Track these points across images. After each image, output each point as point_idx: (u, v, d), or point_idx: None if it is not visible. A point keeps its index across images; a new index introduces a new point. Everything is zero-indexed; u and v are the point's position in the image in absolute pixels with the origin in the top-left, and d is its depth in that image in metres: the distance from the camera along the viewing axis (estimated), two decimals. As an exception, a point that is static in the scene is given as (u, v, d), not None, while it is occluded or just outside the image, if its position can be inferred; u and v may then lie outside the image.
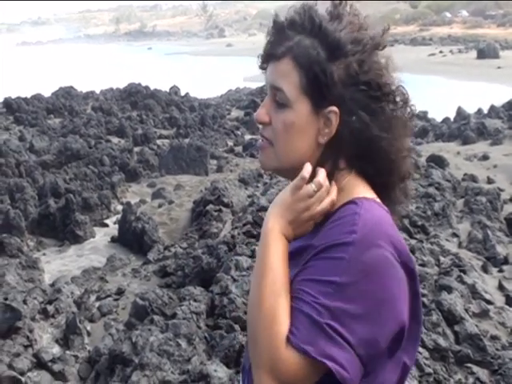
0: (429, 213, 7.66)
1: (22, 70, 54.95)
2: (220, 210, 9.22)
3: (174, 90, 23.71)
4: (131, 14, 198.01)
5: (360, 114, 1.36)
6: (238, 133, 17.99)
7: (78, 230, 9.60)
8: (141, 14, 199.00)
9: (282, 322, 1.23)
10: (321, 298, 1.22)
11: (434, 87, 31.47)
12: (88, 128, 16.69)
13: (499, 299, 5.71)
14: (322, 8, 1.41)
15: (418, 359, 4.40)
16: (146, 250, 8.53)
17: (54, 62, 71.30)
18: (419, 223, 7.33)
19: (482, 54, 41.60)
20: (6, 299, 5.70)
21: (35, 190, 11.10)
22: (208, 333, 4.96)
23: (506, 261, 6.71)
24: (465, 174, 9.76)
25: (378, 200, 1.39)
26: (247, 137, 17.35)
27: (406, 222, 7.17)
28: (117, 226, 9.86)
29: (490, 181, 9.55)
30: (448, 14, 75.77)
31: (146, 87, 22.22)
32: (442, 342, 4.67)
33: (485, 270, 6.39)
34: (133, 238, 9.09)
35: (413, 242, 6.67)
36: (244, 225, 7.27)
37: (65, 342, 5.60)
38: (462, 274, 5.80)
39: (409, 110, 1.45)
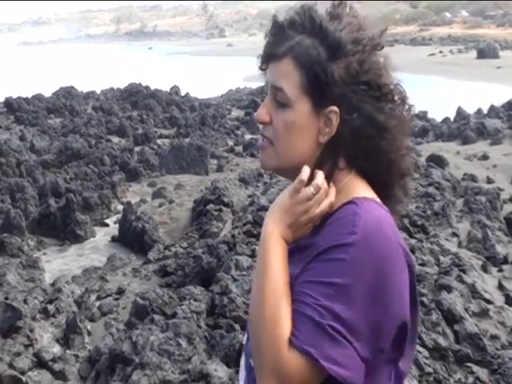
0: (429, 212, 7.67)
1: (22, 70, 54.94)
2: (220, 210, 9.23)
3: (175, 89, 23.72)
4: (132, 14, 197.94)
5: (360, 114, 1.36)
6: (239, 132, 18.00)
7: (79, 229, 9.61)
8: (141, 14, 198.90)
9: (284, 324, 1.24)
10: (322, 299, 1.22)
11: (433, 87, 31.48)
12: (88, 128, 16.69)
13: (499, 299, 5.72)
14: (322, 9, 1.42)
15: (418, 358, 4.41)
16: (147, 250, 8.54)
17: (55, 61, 71.29)
18: (419, 223, 7.34)
19: (481, 54, 41.62)
20: (6, 298, 5.71)
21: (36, 190, 11.11)
22: (208, 332, 4.97)
23: (505, 260, 6.72)
24: (464, 174, 9.77)
25: (378, 200, 1.39)
26: (247, 136, 17.36)
27: (406, 221, 7.18)
28: (117, 225, 9.87)
29: (489, 180, 9.56)
30: (448, 14, 75.76)
31: (147, 87, 22.23)
32: (441, 341, 4.68)
33: (484, 269, 6.40)
34: (133, 238, 9.10)
35: (413, 241, 6.68)
36: (244, 224, 7.28)
37: (65, 341, 5.60)
38: (461, 273, 5.81)
39: (407, 107, 1.46)
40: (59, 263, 8.66)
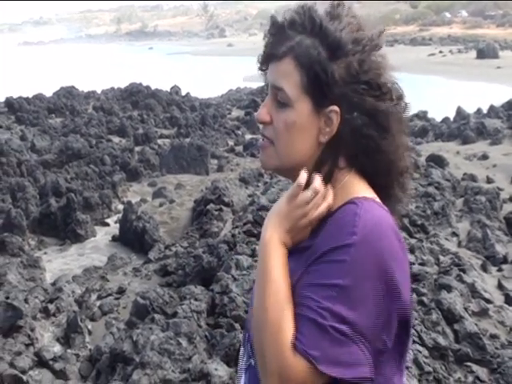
0: (428, 212, 7.68)
1: (23, 70, 54.93)
2: (221, 210, 9.24)
3: (175, 89, 23.71)
4: (132, 14, 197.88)
5: (360, 113, 1.37)
6: (239, 132, 18.00)
7: (79, 229, 9.62)
8: (142, 14, 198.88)
9: (288, 329, 1.25)
10: (324, 302, 1.22)
11: (433, 87, 31.48)
12: (89, 127, 16.70)
13: (498, 298, 5.73)
14: (321, 9, 1.42)
15: (418, 358, 4.41)
16: (147, 249, 8.54)
17: (56, 61, 71.26)
18: (419, 222, 7.34)
19: (481, 54, 41.61)
20: (7, 298, 5.72)
21: (36, 190, 11.12)
22: (208, 331, 4.98)
23: (505, 260, 6.73)
24: (464, 174, 9.78)
25: (378, 200, 1.40)
26: (248, 136, 17.35)
27: (406, 221, 7.19)
28: (118, 225, 9.88)
29: (489, 180, 9.57)
30: (448, 14, 75.74)
31: (147, 87, 22.22)
32: (441, 340, 4.68)
33: (484, 269, 6.41)
34: (134, 237, 9.11)
35: (412, 241, 6.69)
36: (244, 224, 7.29)
37: (66, 340, 5.62)
38: (461, 273, 5.82)
39: (403, 105, 1.46)
40: (60, 263, 8.67)
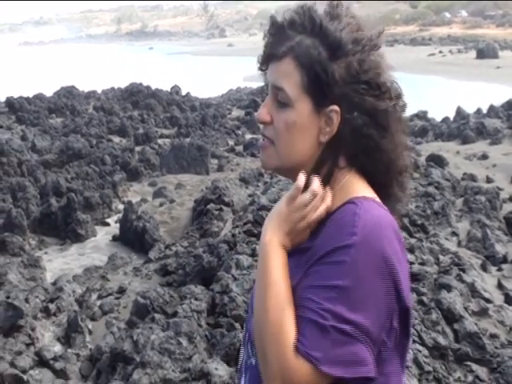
0: (428, 212, 7.68)
1: (24, 70, 54.97)
2: (221, 209, 9.24)
3: (175, 89, 23.72)
4: (132, 14, 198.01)
5: (361, 113, 1.37)
6: (239, 132, 18.01)
7: (80, 228, 9.63)
8: (142, 14, 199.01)
9: (289, 331, 1.25)
10: (325, 303, 1.23)
11: (433, 87, 31.49)
12: (89, 127, 16.71)
13: (498, 298, 5.73)
14: (321, 9, 1.43)
15: (418, 357, 4.42)
16: (147, 249, 8.55)
17: (56, 61, 71.33)
18: (419, 222, 7.35)
19: (481, 54, 41.63)
20: (8, 298, 5.73)
21: (37, 189, 11.13)
22: (209, 331, 4.98)
23: (504, 259, 6.73)
24: (464, 174, 9.78)
25: (378, 199, 1.40)
26: (248, 136, 17.36)
27: (406, 220, 7.19)
28: (118, 224, 9.88)
29: (489, 180, 9.57)
30: (447, 15, 75.78)
31: (148, 87, 22.23)
32: (441, 340, 4.69)
33: (484, 268, 6.41)
34: (134, 237, 9.11)
35: (412, 240, 6.69)
36: (245, 224, 7.29)
37: (66, 340, 5.62)
38: (461, 272, 5.82)
39: (402, 104, 1.46)
40: (60, 262, 8.67)
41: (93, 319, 6.07)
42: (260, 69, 1.51)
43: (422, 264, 6.07)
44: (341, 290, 1.23)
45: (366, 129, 1.38)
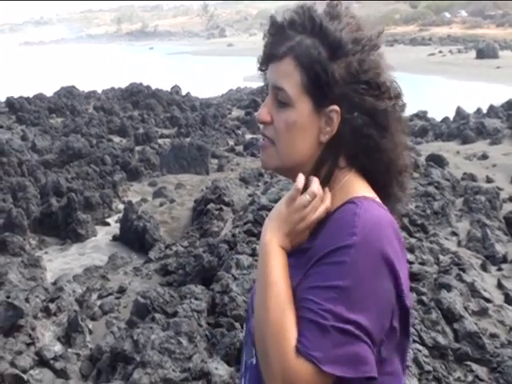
0: (428, 212, 7.68)
1: (24, 70, 54.96)
2: (221, 209, 9.25)
3: (176, 89, 23.76)
4: (133, 14, 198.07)
5: (361, 113, 1.37)
6: (239, 132, 18.02)
7: (80, 228, 9.63)
8: (142, 14, 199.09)
9: (290, 332, 1.25)
10: (325, 303, 1.23)
11: (433, 87, 31.51)
12: (90, 127, 16.72)
13: (498, 297, 5.73)
14: (321, 9, 1.43)
15: (418, 357, 4.42)
16: (148, 249, 8.55)
17: (56, 61, 71.35)
18: (419, 222, 7.35)
19: (481, 54, 41.66)
20: (8, 297, 5.73)
21: (37, 189, 11.14)
22: (209, 331, 4.99)
23: (504, 259, 6.73)
24: (464, 173, 9.77)
25: (378, 199, 1.40)
26: (248, 136, 17.38)
27: (406, 220, 7.19)
28: (118, 224, 9.89)
29: (489, 180, 9.57)
30: (447, 14, 75.83)
31: (148, 87, 22.25)
32: (441, 339, 4.69)
33: (484, 268, 6.41)
34: (134, 237, 9.12)
35: (412, 240, 6.69)
36: (245, 223, 7.29)
37: (67, 339, 5.63)
38: (461, 272, 5.82)
39: (401, 103, 1.46)
40: (61, 262, 8.68)
41: (93, 319, 6.08)
42: (260, 69, 1.51)
43: (422, 264, 6.07)
44: (341, 291, 1.23)
45: (365, 129, 1.38)
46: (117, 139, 16.27)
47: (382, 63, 1.42)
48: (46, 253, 9.08)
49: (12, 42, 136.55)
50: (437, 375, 4.38)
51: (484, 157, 10.84)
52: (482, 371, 4.51)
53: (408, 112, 1.53)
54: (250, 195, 10.01)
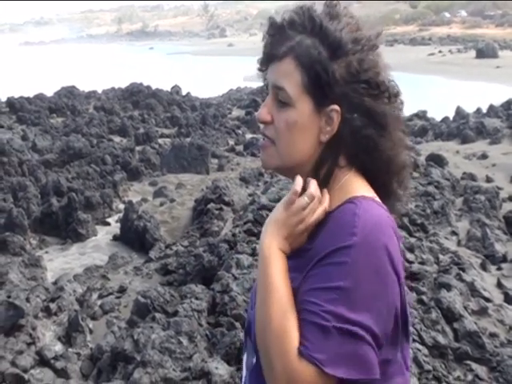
0: (428, 211, 7.69)
1: (24, 70, 54.95)
2: (221, 209, 9.26)
3: (176, 89, 23.77)
4: (133, 14, 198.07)
5: (360, 112, 1.38)
6: (239, 132, 18.03)
7: (81, 228, 9.64)
8: (143, 14, 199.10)
9: (293, 335, 1.24)
10: (326, 305, 1.23)
11: (433, 87, 31.50)
12: (90, 127, 16.72)
13: (498, 297, 5.74)
14: (320, 9, 1.44)
15: (418, 356, 4.43)
16: (148, 248, 8.56)
17: (57, 61, 71.31)
18: (418, 221, 7.35)
19: (480, 54, 41.67)
20: (9, 297, 5.73)
21: (38, 189, 11.14)
22: (209, 330, 4.99)
23: (504, 259, 6.73)
24: (464, 173, 9.78)
25: (378, 199, 1.40)
26: (248, 136, 17.38)
27: (406, 220, 7.20)
28: (119, 224, 9.89)
29: (488, 179, 9.58)
30: (447, 14, 75.83)
31: (148, 87, 22.26)
32: (441, 339, 4.70)
33: (484, 267, 6.42)
34: (135, 237, 9.12)
35: (412, 240, 6.69)
36: (245, 223, 7.30)
37: (67, 339, 5.63)
38: (461, 271, 5.83)
39: (399, 102, 1.47)
40: (61, 262, 8.68)
41: (93, 318, 6.08)
42: (260, 69, 1.52)
43: (422, 263, 6.07)
44: (342, 291, 1.23)
45: (365, 128, 1.38)
46: (117, 139, 16.27)
47: (380, 62, 1.43)
48: (47, 252, 9.09)
49: (12, 42, 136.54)
50: (437, 374, 4.38)
51: (484, 156, 10.85)
52: (481, 370, 4.51)
53: (408, 112, 1.54)
54: (250, 195, 10.02)
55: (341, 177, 1.43)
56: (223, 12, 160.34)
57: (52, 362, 5.18)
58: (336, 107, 1.38)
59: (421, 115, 17.61)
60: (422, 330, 4.73)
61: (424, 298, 5.17)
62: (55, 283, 6.90)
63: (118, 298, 6.54)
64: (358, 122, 1.38)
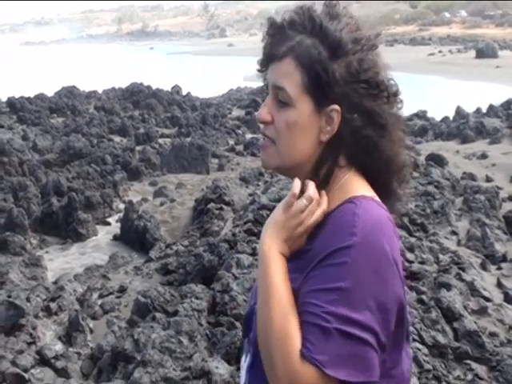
0: (428, 211, 7.69)
1: (25, 70, 54.95)
2: (221, 209, 9.26)
3: (176, 89, 23.78)
4: (133, 14, 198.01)
5: (360, 112, 1.38)
6: (239, 132, 18.04)
7: (81, 228, 9.65)
8: (143, 14, 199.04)
9: (294, 337, 1.24)
10: (327, 306, 1.23)
11: (433, 87, 31.50)
12: (90, 127, 16.74)
13: (498, 296, 5.74)
14: (319, 9, 1.44)
15: (417, 356, 4.43)
16: (148, 248, 8.57)
17: (57, 61, 71.33)
18: (418, 221, 7.35)
19: (480, 54, 41.67)
20: (9, 297, 5.74)
21: (38, 189, 11.15)
22: (209, 330, 4.99)
23: (504, 258, 6.73)
24: (464, 173, 9.78)
25: (377, 198, 1.40)
26: (248, 136, 17.40)
27: (406, 219, 7.20)
28: (119, 224, 9.91)
29: (488, 179, 9.57)
30: (447, 14, 75.81)
31: (148, 87, 22.27)
32: (441, 338, 4.70)
33: (483, 267, 6.42)
34: (135, 236, 9.13)
35: (412, 239, 6.69)
36: (245, 223, 7.30)
37: (67, 339, 5.63)
38: (460, 271, 5.83)
39: (398, 101, 1.48)
40: (61, 261, 8.69)
41: (94, 318, 6.09)
42: (260, 70, 1.52)
43: (422, 263, 6.07)
44: (342, 292, 1.23)
45: (365, 128, 1.39)
46: (117, 139, 16.29)
47: (379, 62, 1.43)
48: (47, 252, 9.10)
49: (13, 42, 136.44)
50: (436, 374, 4.38)
51: (483, 156, 10.84)
52: (481, 370, 4.51)
53: (408, 111, 1.55)
54: (250, 195, 10.02)
55: (341, 176, 1.43)
56: (223, 12, 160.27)
57: (52, 361, 5.19)
58: (336, 107, 1.38)
59: (421, 115, 17.60)
60: (422, 330, 4.73)
61: (424, 297, 5.17)
62: (55, 283, 6.91)
63: (118, 297, 6.55)
64: (358, 121, 1.38)
